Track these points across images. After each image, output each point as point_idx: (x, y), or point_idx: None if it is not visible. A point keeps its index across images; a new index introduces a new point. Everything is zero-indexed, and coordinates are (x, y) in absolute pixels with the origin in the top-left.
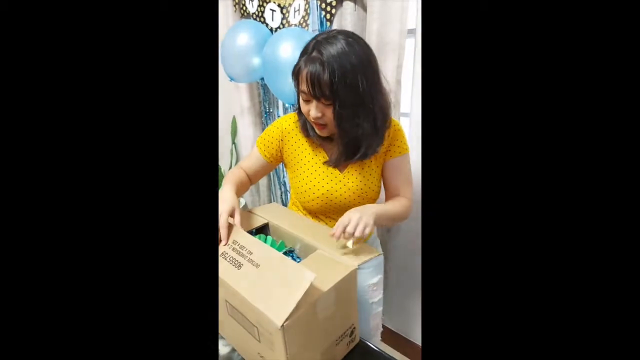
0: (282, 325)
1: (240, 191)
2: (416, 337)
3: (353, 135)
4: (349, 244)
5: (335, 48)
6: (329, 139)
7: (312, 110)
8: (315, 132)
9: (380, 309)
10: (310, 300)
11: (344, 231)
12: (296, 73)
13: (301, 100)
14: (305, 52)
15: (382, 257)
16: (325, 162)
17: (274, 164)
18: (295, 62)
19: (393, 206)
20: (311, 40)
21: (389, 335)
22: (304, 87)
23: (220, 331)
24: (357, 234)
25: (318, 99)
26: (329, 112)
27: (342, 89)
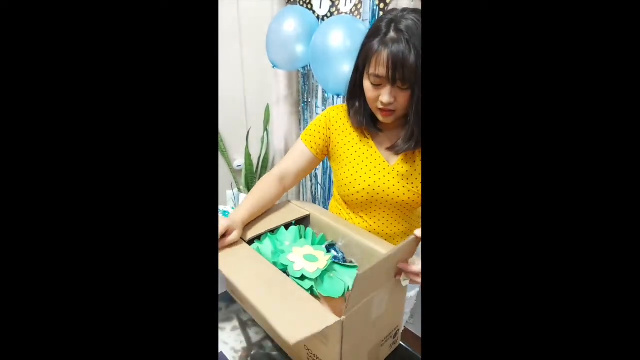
0: (342, 319)
1: (260, 207)
2: None
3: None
4: (404, 282)
5: (415, 26)
6: (379, 129)
7: (385, 95)
8: (370, 121)
9: (408, 316)
10: (367, 297)
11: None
12: (366, 56)
13: (368, 85)
14: (377, 33)
15: None
16: (389, 148)
17: (320, 159)
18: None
19: None
20: (382, 19)
21: (414, 341)
22: (379, 70)
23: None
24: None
25: (394, 83)
26: (402, 97)
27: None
